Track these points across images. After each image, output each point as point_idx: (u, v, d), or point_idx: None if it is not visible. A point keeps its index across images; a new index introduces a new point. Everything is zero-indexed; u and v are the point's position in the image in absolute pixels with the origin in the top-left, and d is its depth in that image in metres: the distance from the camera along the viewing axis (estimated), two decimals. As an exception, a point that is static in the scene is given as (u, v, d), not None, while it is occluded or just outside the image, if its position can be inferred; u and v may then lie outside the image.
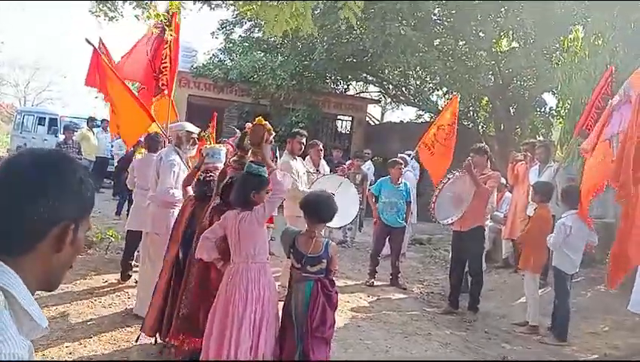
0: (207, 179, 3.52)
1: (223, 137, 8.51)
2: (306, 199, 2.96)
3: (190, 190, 3.73)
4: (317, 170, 5.41)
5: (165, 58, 5.04)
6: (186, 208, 3.61)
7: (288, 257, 2.92)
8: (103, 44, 5.92)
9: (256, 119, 3.16)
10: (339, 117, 14.36)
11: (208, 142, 4.06)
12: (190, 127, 4.42)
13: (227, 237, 2.92)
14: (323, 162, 5.71)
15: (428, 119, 14.10)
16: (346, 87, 14.43)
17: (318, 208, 2.86)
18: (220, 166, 3.57)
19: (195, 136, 4.41)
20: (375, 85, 14.73)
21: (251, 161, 3.03)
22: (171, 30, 4.99)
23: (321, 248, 2.84)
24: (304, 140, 5.05)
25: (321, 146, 5.65)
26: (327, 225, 3.31)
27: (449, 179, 4.94)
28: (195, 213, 3.45)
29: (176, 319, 3.21)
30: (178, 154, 4.26)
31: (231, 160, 3.36)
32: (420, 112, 15.19)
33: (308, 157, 5.67)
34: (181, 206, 3.78)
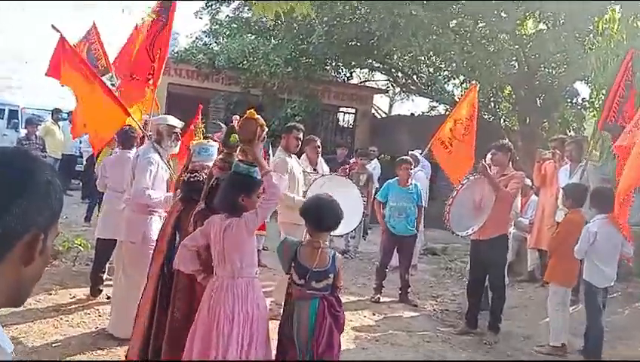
0: (194, 179, 3.54)
1: (207, 133, 8.51)
2: (307, 204, 3.00)
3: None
4: (314, 170, 5.44)
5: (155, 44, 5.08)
6: (171, 214, 3.63)
7: (287, 272, 2.93)
8: (95, 28, 6.03)
9: (248, 112, 3.17)
10: (341, 109, 14.38)
11: (197, 137, 4.05)
12: (172, 120, 4.43)
13: (210, 246, 2.93)
14: (321, 160, 5.73)
15: (443, 112, 14.13)
16: (348, 74, 14.47)
17: (322, 214, 2.88)
18: (210, 165, 3.59)
19: (178, 130, 4.42)
20: (382, 73, 14.74)
21: (240, 160, 3.03)
22: (160, 15, 5.03)
23: (328, 261, 2.86)
24: (301, 136, 5.08)
25: (318, 142, 5.66)
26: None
27: (462, 185, 4.97)
28: (182, 220, 3.48)
29: (166, 345, 3.22)
30: (158, 151, 4.28)
31: (216, 159, 3.37)
32: (434, 104, 15.22)
33: (304, 155, 5.70)
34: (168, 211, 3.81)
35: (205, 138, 4.07)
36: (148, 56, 5.07)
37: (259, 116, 3.17)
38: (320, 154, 5.68)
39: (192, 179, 3.55)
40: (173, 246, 3.41)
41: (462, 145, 6.33)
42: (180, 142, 4.46)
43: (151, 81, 5.04)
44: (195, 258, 2.97)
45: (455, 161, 6.32)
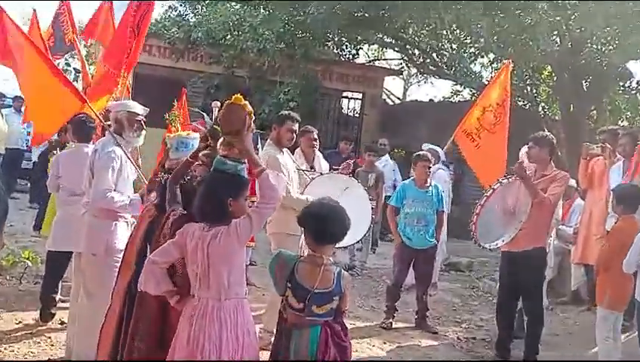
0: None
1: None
2: (307, 211, 2.99)
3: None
4: (311, 168, 5.44)
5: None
6: (142, 221, 3.64)
7: (282, 294, 2.93)
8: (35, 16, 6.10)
9: (233, 97, 3.16)
10: (345, 94, 14.38)
11: (173, 128, 4.04)
12: (134, 106, 4.43)
13: (187, 261, 2.93)
14: (319, 156, 5.73)
15: (468, 97, 14.15)
16: (354, 52, 14.47)
17: (325, 223, 2.88)
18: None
19: (142, 119, 4.43)
20: (395, 50, 14.77)
21: (223, 156, 3.03)
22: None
23: (332, 281, 2.86)
24: (296, 127, 5.08)
25: (314, 134, 5.66)
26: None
27: (493, 189, 4.96)
28: (155, 228, 3.47)
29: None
30: (119, 144, 4.29)
31: (201, 154, 3.36)
32: (457, 88, 15.27)
33: (298, 150, 5.70)
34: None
35: (191, 123, 4.05)
36: (126, 41, 5.10)
37: (246, 102, 3.16)
38: (317, 148, 5.68)
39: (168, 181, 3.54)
40: (143, 261, 3.39)
41: (492, 138, 6.32)
42: (144, 133, 4.47)
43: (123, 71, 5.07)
44: (166, 276, 2.96)
45: (484, 157, 6.31)
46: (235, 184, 2.93)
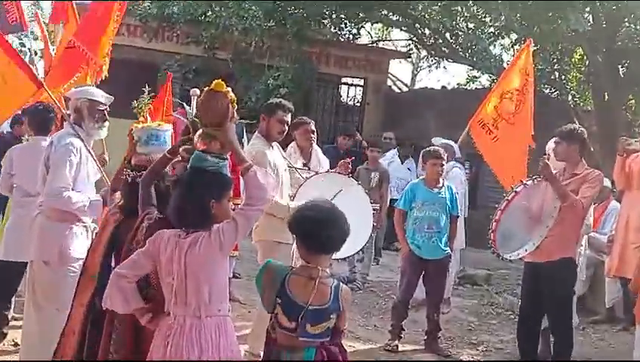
0: (137, 181, 3.52)
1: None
2: (299, 215, 2.98)
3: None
4: (306, 165, 5.44)
5: None
6: (106, 226, 3.64)
7: (271, 311, 2.94)
8: None
9: (213, 83, 3.15)
10: (344, 79, 14.39)
11: (141, 117, 4.05)
12: (96, 93, 4.43)
13: (160, 273, 2.93)
14: (317, 151, 5.72)
15: (487, 84, 14.15)
16: (355, 31, 14.47)
17: (321, 228, 2.87)
18: None
19: (105, 108, 4.43)
20: (402, 29, 14.78)
21: (203, 151, 3.03)
22: None
23: (329, 296, 2.87)
24: (288, 117, 5.08)
25: (312, 125, 5.65)
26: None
27: (516, 192, 4.96)
28: (121, 235, 3.48)
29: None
30: (79, 136, 4.28)
31: (181, 149, 3.34)
32: (474, 73, 15.25)
33: (292, 144, 5.68)
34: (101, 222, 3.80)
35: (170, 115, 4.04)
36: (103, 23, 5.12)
37: (228, 89, 3.16)
38: (315, 142, 5.67)
39: (136, 180, 3.53)
40: (108, 272, 3.38)
41: (511, 130, 6.31)
42: (107, 124, 4.46)
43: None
44: (136, 292, 2.96)
45: (503, 153, 6.30)
46: (218, 183, 2.93)
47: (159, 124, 3.90)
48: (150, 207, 3.31)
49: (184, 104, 4.10)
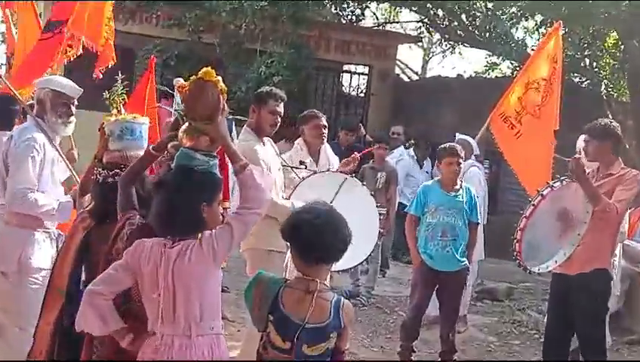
0: (112, 180, 3.54)
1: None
2: (293, 220, 2.99)
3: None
4: (303, 163, 5.45)
5: None
6: (74, 234, 3.64)
7: (262, 330, 2.95)
8: None
9: (202, 71, 3.18)
10: (346, 67, 14.39)
11: (114, 109, 4.05)
12: (61, 83, 4.43)
13: (142, 288, 2.95)
14: (326, 149, 5.75)
15: (508, 72, 14.18)
16: (359, 12, 14.53)
17: (318, 235, 2.87)
18: (139, 154, 3.59)
19: (70, 101, 4.43)
20: (412, 10, 14.81)
21: (190, 148, 3.05)
22: None
23: (329, 312, 2.88)
24: (281, 108, 5.08)
25: (324, 120, 5.70)
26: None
27: (542, 196, 4.97)
28: (91, 243, 3.49)
29: None
30: (43, 131, 4.29)
31: (170, 146, 3.34)
32: (494, 59, 15.29)
33: (299, 140, 5.74)
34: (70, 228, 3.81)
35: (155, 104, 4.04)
36: None
37: (219, 77, 3.19)
38: (324, 139, 5.72)
39: (108, 180, 3.55)
40: (77, 286, 3.41)
41: (537, 125, 6.28)
42: (73, 120, 4.47)
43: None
44: (113, 311, 2.96)
45: (527, 151, 6.28)
46: (209, 184, 2.95)
47: (134, 117, 3.92)
48: (131, 211, 3.30)
49: (173, 93, 4.11)
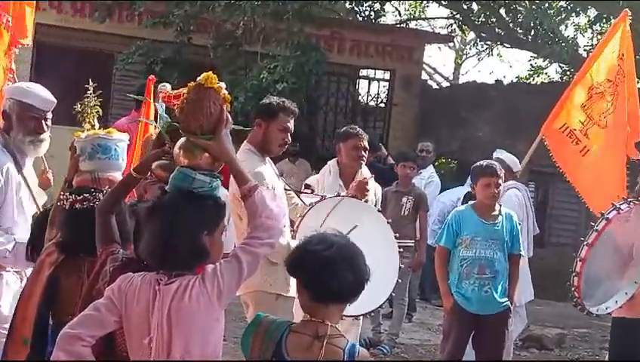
0: (83, 206, 3.56)
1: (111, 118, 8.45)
2: (301, 251, 2.99)
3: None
4: (309, 187, 5.49)
5: None
6: (41, 271, 3.64)
7: None
8: None
9: (203, 76, 3.16)
10: (363, 72, 14.47)
11: (86, 123, 4.07)
12: (29, 93, 4.41)
13: (128, 333, 2.94)
14: (365, 174, 5.77)
15: (556, 77, 14.18)
16: (378, 7, 14.61)
17: (330, 271, 2.85)
18: (117, 177, 3.60)
19: (42, 114, 4.41)
20: (442, 4, 14.89)
21: (188, 166, 3.03)
22: None
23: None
24: (291, 123, 5.07)
25: (365, 141, 5.78)
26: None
27: (607, 219, 4.92)
28: (61, 280, 3.50)
29: None
30: (7, 149, 4.31)
31: (154, 166, 3.36)
32: (539, 62, 15.31)
33: (332, 162, 5.84)
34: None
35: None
36: None
37: (221, 84, 3.16)
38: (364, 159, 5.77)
39: (76, 206, 3.57)
40: (43, 333, 3.43)
41: (605, 137, 6.22)
42: (46, 138, 4.46)
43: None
44: (91, 357, 2.93)
45: (595, 169, 6.23)
46: (212, 210, 2.96)
47: (109, 132, 3.93)
48: (113, 245, 3.30)
49: (156, 104, 4.11)
